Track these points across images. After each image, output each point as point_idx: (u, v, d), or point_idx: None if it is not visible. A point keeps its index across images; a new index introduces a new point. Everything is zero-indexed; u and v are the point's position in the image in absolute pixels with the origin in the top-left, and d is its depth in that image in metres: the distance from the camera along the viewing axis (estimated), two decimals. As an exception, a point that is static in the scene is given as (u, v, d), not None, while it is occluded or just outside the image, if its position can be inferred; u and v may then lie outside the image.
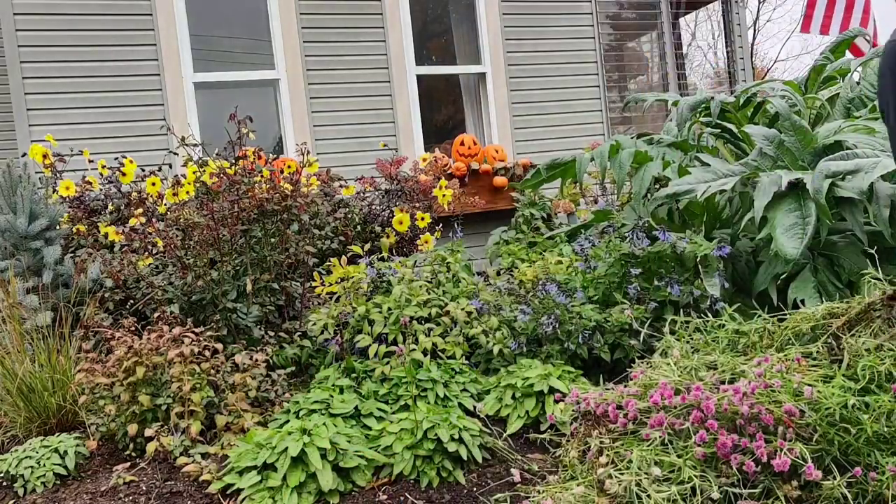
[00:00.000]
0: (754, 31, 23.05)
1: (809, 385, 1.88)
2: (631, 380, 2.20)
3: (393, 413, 2.57)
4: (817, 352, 2.12)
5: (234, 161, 3.28)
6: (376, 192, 4.96)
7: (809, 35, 7.92)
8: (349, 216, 4.23)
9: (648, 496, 1.72)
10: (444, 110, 7.25)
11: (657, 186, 4.26)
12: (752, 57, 20.90)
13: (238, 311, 3.14)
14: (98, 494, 2.28)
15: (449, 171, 6.06)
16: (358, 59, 6.28)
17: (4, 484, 2.39)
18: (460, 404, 2.63)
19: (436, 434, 2.28)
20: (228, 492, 2.17)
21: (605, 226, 3.80)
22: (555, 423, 2.43)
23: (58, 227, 3.48)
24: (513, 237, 5.11)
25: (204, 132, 5.72)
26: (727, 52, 8.09)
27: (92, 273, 3.30)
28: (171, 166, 5.35)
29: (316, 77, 6.14)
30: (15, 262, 3.24)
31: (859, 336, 2.10)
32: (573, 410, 2.14)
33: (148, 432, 2.46)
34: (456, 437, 2.29)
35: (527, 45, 6.96)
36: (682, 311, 3.09)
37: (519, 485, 2.16)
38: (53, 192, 3.93)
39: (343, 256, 3.36)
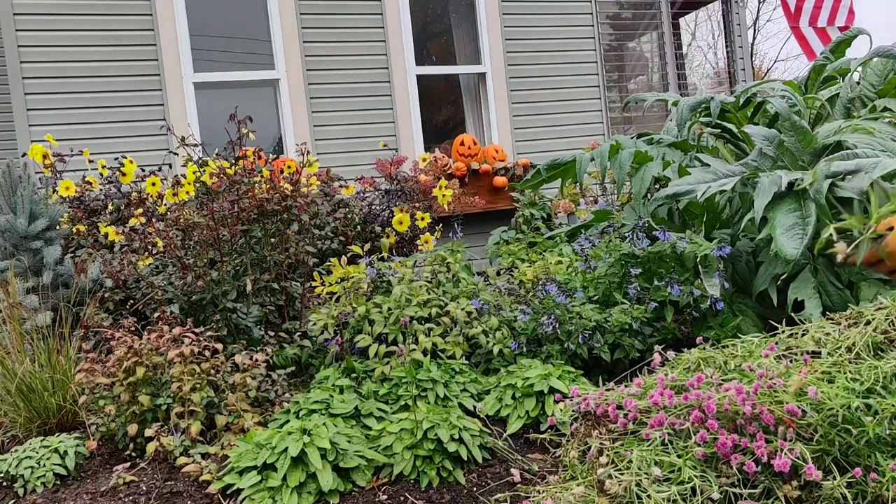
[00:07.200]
0: (754, 31, 23.05)
1: (813, 385, 1.88)
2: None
3: (393, 413, 2.57)
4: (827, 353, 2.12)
5: (234, 161, 3.28)
6: (376, 192, 4.96)
7: (799, 28, 7.90)
8: (349, 216, 4.23)
9: (648, 496, 1.72)
10: (444, 110, 7.25)
11: (657, 186, 4.26)
12: (752, 57, 20.90)
13: (238, 311, 3.14)
14: (98, 494, 2.28)
15: (449, 171, 6.06)
16: (358, 59, 6.28)
17: (4, 484, 2.39)
18: (460, 404, 2.63)
19: (436, 434, 2.28)
20: (228, 492, 2.17)
21: (605, 226, 3.80)
22: (555, 424, 2.43)
23: (58, 227, 3.48)
24: (513, 237, 5.11)
25: (204, 132, 5.72)
26: (727, 52, 8.09)
27: (92, 273, 3.30)
28: (171, 166, 5.35)
29: (316, 77, 6.13)
30: (15, 262, 3.24)
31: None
32: (573, 410, 2.14)
33: (148, 432, 2.46)
34: (456, 437, 2.29)
35: (527, 45, 6.96)
36: (682, 311, 3.09)
37: (519, 485, 2.16)
38: (53, 192, 3.93)
39: (343, 256, 3.36)
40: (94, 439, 2.58)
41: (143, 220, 3.65)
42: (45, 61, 5.36)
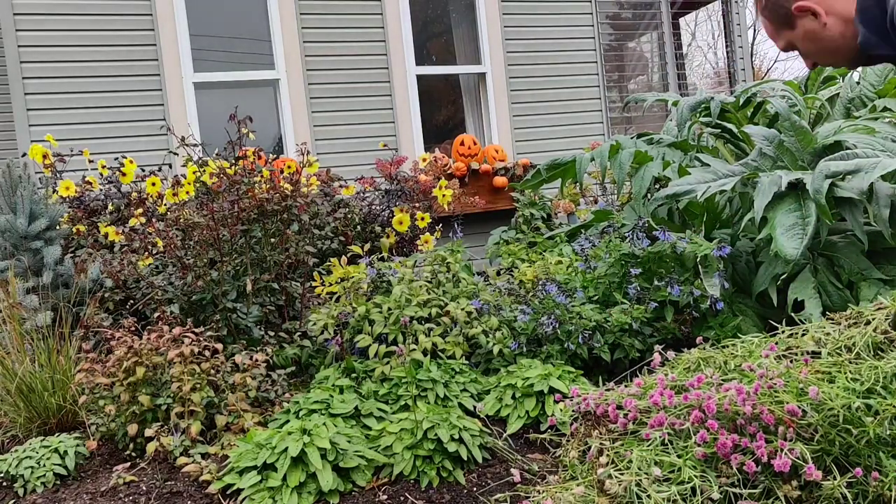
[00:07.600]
0: (754, 31, 23.04)
1: (813, 385, 1.88)
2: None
3: (393, 413, 2.57)
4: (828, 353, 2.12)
5: (234, 161, 3.28)
6: (376, 192, 4.96)
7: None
8: (349, 216, 4.23)
9: (648, 496, 1.72)
10: (444, 110, 7.25)
11: (657, 186, 4.26)
12: (752, 57, 20.90)
13: (238, 311, 3.14)
14: (98, 494, 2.28)
15: (449, 171, 6.06)
16: (358, 59, 6.28)
17: (4, 484, 2.39)
18: (460, 404, 2.63)
19: (436, 434, 2.28)
20: (228, 492, 2.17)
21: (605, 226, 3.80)
22: (555, 424, 2.43)
23: (58, 227, 3.48)
24: (513, 237, 5.11)
25: (204, 132, 5.72)
26: (727, 52, 8.10)
27: (92, 273, 3.30)
28: (171, 166, 5.35)
29: (316, 77, 6.13)
30: (15, 262, 3.24)
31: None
32: (573, 410, 2.14)
33: (148, 432, 2.46)
34: (456, 437, 2.29)
35: (527, 45, 6.96)
36: (682, 311, 3.09)
37: (519, 485, 2.16)
38: (53, 192, 3.93)
39: (343, 256, 3.36)
40: (94, 439, 2.58)
41: (143, 220, 3.65)
42: (45, 61, 5.36)
